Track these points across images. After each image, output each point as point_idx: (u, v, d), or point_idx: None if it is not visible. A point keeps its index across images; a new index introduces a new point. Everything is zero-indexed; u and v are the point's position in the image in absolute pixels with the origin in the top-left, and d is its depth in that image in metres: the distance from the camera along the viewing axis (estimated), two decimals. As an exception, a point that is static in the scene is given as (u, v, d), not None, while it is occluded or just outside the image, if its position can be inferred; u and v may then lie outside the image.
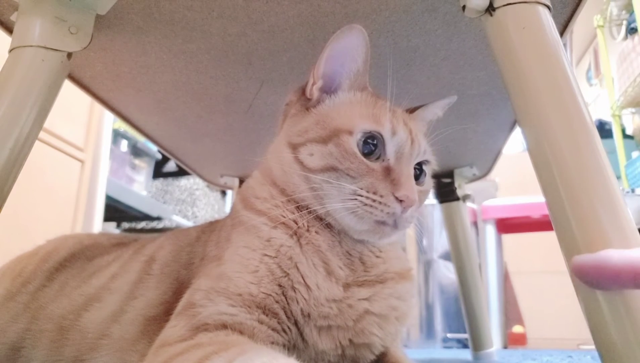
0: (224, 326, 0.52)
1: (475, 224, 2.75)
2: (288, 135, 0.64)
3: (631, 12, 2.62)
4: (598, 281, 0.41)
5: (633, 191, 2.37)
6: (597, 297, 0.42)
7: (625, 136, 2.87)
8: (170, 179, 2.89)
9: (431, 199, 1.50)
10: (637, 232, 0.44)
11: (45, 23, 0.63)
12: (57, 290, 0.75)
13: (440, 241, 2.61)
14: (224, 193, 3.01)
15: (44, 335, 0.70)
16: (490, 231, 2.65)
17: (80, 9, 0.65)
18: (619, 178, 2.70)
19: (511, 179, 3.04)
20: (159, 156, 2.58)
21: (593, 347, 0.43)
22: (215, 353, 0.44)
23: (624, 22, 2.84)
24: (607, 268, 0.39)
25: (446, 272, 2.63)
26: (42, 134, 1.55)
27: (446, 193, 1.31)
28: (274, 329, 0.55)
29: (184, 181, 2.87)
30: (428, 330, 2.59)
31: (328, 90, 0.64)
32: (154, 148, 2.33)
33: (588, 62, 4.31)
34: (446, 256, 2.62)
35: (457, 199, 1.31)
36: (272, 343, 0.54)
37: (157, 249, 0.75)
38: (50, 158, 1.62)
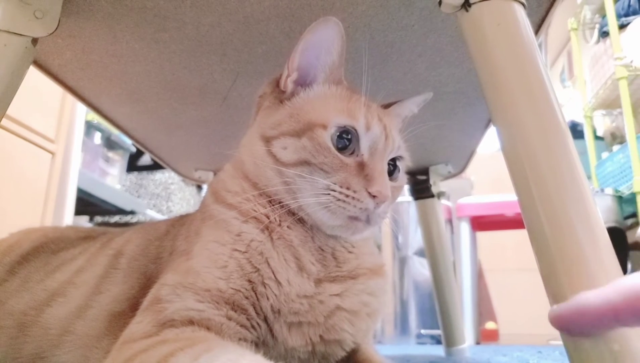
0: (191, 322, 0.51)
1: (450, 221, 2.78)
2: (261, 128, 0.63)
3: (604, 16, 2.68)
4: (580, 330, 0.38)
5: (603, 190, 2.43)
6: (566, 296, 0.42)
7: (596, 137, 2.94)
8: (144, 173, 2.84)
9: (406, 196, 1.51)
10: (605, 230, 0.45)
11: (8, 6, 0.61)
12: (18, 284, 0.73)
13: (416, 238, 2.63)
14: (199, 187, 2.97)
15: (2, 331, 0.68)
16: (464, 228, 2.68)
17: (46, -8, 0.62)
18: (589, 177, 2.76)
19: (486, 177, 3.08)
20: (134, 149, 2.53)
21: (561, 342, 0.43)
22: (181, 350, 0.43)
23: (597, 26, 2.90)
24: (586, 313, 0.37)
25: (421, 269, 2.65)
26: (10, 125, 1.50)
27: (421, 189, 1.32)
28: (242, 325, 0.54)
29: (158, 175, 2.82)
30: (402, 326, 2.61)
31: (303, 83, 0.63)
32: (128, 140, 2.28)
33: (562, 64, 4.40)
34: (421, 253, 2.64)
35: (432, 196, 1.32)
36: (241, 339, 0.53)
37: (125, 243, 0.73)
38: (19, 149, 1.57)
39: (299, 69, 0.63)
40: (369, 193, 0.55)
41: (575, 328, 0.39)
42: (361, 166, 0.57)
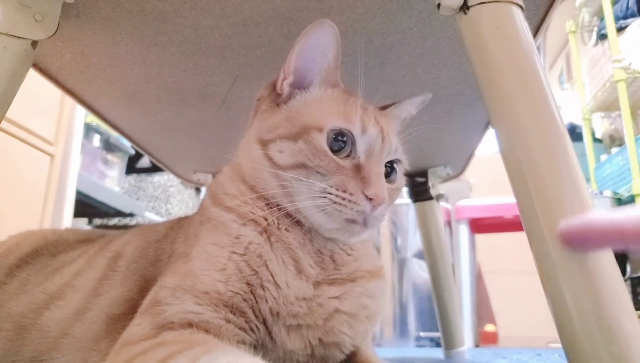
0: (190, 325, 0.51)
1: (449, 224, 2.78)
2: (258, 131, 0.63)
3: (602, 18, 2.69)
4: (585, 243, 0.41)
5: (601, 193, 2.43)
6: (564, 298, 0.42)
7: (595, 139, 2.94)
8: (143, 175, 2.84)
9: (405, 199, 1.51)
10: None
11: (8, 9, 0.61)
12: (17, 287, 0.72)
13: (415, 240, 2.63)
14: (198, 189, 2.97)
15: (1, 334, 0.68)
16: (463, 230, 2.68)
17: (46, -5, 0.62)
18: (588, 180, 2.76)
19: (485, 179, 3.08)
20: (133, 152, 2.53)
21: (561, 345, 0.43)
22: (179, 352, 0.43)
23: (595, 29, 2.90)
24: (593, 228, 0.39)
25: (420, 271, 2.65)
26: (10, 127, 1.50)
27: (420, 192, 1.32)
28: (241, 328, 0.54)
29: (157, 178, 2.82)
30: (401, 328, 2.61)
31: (299, 86, 0.63)
32: (127, 143, 2.28)
33: (561, 66, 4.41)
34: (420, 256, 2.64)
35: (431, 198, 1.32)
36: (240, 342, 0.53)
37: (124, 245, 0.73)
38: (18, 151, 1.57)
39: (295, 72, 0.63)
40: (366, 195, 0.55)
41: (581, 242, 0.41)
42: (358, 168, 0.57)
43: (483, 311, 2.87)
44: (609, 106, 2.71)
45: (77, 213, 2.02)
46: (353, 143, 0.58)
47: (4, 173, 1.50)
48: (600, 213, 0.40)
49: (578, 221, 0.41)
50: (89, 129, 2.17)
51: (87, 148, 2.17)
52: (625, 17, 2.53)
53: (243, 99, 0.93)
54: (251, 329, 0.55)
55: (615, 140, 2.87)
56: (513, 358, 1.37)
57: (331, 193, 0.55)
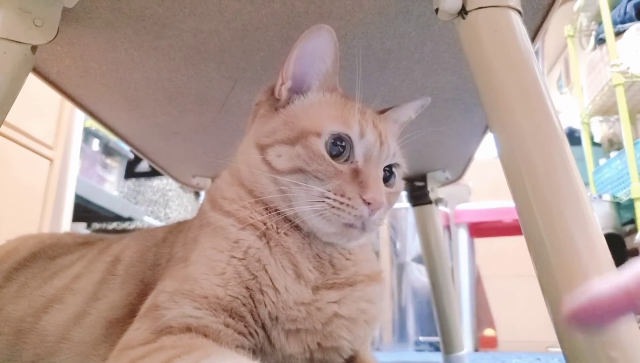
0: (189, 329, 0.51)
1: (448, 228, 2.78)
2: (256, 135, 0.63)
3: (600, 23, 2.70)
4: (595, 319, 0.36)
5: (600, 197, 2.44)
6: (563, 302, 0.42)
7: (594, 143, 2.95)
8: (142, 180, 2.84)
9: (404, 203, 1.51)
10: (603, 237, 0.45)
11: (8, 14, 0.61)
12: (15, 291, 0.72)
13: (414, 244, 2.63)
14: (197, 194, 2.97)
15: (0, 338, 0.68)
16: (462, 235, 2.69)
17: (46, 0, 0.62)
18: (587, 184, 2.77)
19: (484, 184, 3.08)
20: (132, 156, 2.53)
21: (560, 350, 0.43)
22: (178, 357, 0.43)
23: (593, 33, 2.91)
24: (601, 301, 0.35)
25: (419, 275, 2.64)
26: (9, 131, 1.50)
27: (419, 196, 1.32)
28: (240, 332, 0.54)
29: (156, 182, 2.82)
30: (400, 333, 2.61)
31: (297, 90, 0.63)
32: (126, 147, 2.28)
33: (559, 71, 4.42)
34: (419, 260, 2.64)
35: (430, 202, 1.32)
36: (239, 346, 0.53)
37: (123, 249, 0.73)
38: (17, 155, 1.57)
39: (293, 77, 0.63)
40: (364, 199, 0.55)
41: (591, 318, 0.36)
42: (356, 173, 0.57)
43: (482, 315, 2.87)
44: (607, 110, 2.72)
45: (76, 217, 2.02)
46: (351, 147, 0.58)
47: (3, 177, 1.50)
48: (602, 281, 0.36)
49: (582, 298, 0.36)
50: (88, 134, 2.17)
51: (86, 152, 2.17)
52: (623, 22, 2.54)
53: (242, 104, 0.94)
54: (250, 333, 0.55)
55: (613, 144, 2.88)
56: (512, 363, 1.37)
57: (329, 198, 0.55)
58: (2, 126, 0.68)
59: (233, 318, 0.54)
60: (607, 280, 0.36)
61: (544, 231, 0.45)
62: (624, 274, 0.35)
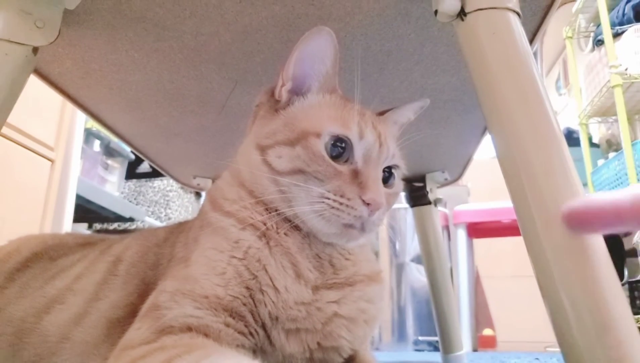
0: (189, 329, 0.51)
1: (446, 228, 2.79)
2: (257, 137, 0.63)
3: (598, 24, 2.70)
4: (586, 224, 0.42)
5: (599, 197, 2.43)
6: (562, 302, 0.43)
7: (592, 144, 2.95)
8: (143, 180, 2.84)
9: (404, 203, 1.51)
10: (602, 237, 0.46)
11: (9, 16, 0.61)
12: (17, 291, 0.73)
13: (413, 245, 2.64)
14: (198, 194, 2.97)
15: (1, 338, 0.68)
16: (461, 235, 2.69)
17: (47, 2, 0.63)
18: (585, 184, 2.77)
19: (483, 184, 3.09)
20: (133, 157, 2.53)
21: (559, 349, 0.44)
22: (179, 356, 0.43)
23: (592, 35, 2.92)
24: (592, 209, 0.41)
25: (418, 275, 2.65)
26: (10, 132, 1.51)
27: (418, 197, 1.33)
28: (240, 332, 0.54)
29: (157, 183, 2.82)
30: (400, 332, 2.61)
31: (297, 92, 0.64)
32: (127, 148, 2.28)
33: (557, 72, 4.43)
34: (418, 260, 2.65)
35: (429, 203, 1.32)
36: (239, 346, 0.53)
37: (124, 249, 0.73)
38: (19, 156, 1.57)
39: (293, 78, 0.63)
40: (363, 200, 0.55)
41: (582, 223, 0.42)
42: (355, 173, 0.57)
43: (481, 315, 2.88)
44: (605, 111, 2.72)
45: (77, 218, 2.02)
46: (351, 148, 0.58)
47: (4, 177, 1.50)
48: (601, 194, 0.41)
49: (579, 203, 0.42)
50: (89, 135, 2.18)
51: (87, 153, 2.17)
52: (621, 23, 2.54)
53: (242, 105, 0.94)
54: (250, 333, 0.55)
55: (612, 145, 2.89)
56: (511, 363, 1.37)
57: (329, 198, 0.55)
58: (4, 127, 0.68)
59: (233, 318, 0.54)
60: (606, 195, 0.40)
61: (542, 233, 0.45)
62: (622, 193, 0.39)
